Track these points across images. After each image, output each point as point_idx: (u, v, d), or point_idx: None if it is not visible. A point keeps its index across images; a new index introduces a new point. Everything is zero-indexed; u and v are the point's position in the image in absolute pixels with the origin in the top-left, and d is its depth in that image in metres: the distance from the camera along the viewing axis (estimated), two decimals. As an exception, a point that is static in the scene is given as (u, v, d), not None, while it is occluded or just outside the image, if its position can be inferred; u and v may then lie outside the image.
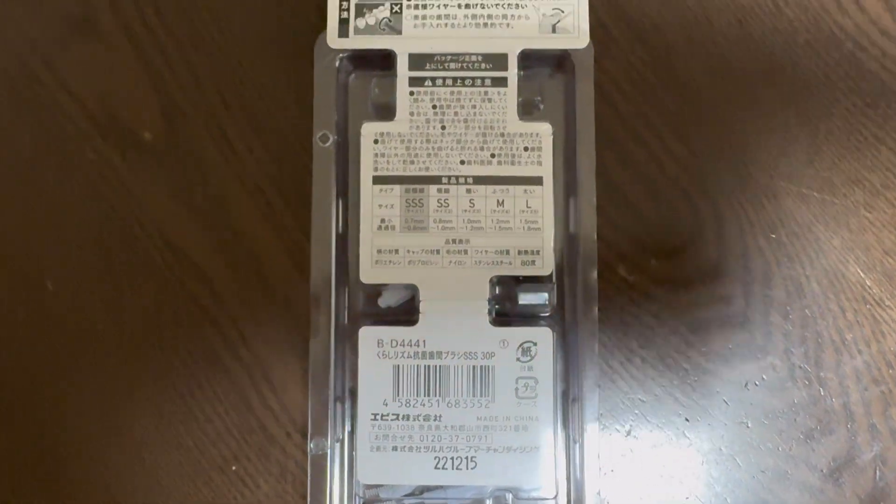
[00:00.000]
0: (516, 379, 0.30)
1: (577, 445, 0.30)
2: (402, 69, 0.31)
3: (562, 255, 0.31)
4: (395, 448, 0.30)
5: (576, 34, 0.31)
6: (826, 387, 0.32)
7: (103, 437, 0.32)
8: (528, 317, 0.31)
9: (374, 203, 0.31)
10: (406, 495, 0.31)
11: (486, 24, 0.31)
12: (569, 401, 0.31)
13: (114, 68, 0.33)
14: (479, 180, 0.31)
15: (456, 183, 0.31)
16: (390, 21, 0.31)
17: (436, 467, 0.30)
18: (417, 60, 0.31)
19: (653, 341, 0.32)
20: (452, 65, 0.31)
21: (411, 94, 0.31)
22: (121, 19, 0.33)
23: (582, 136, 0.31)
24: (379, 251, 0.31)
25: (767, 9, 0.33)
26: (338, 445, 0.30)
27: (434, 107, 0.31)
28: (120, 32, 0.33)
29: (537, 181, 0.31)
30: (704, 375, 0.32)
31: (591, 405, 0.30)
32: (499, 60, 0.31)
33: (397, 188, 0.31)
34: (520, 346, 0.30)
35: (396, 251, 0.31)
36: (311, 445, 0.30)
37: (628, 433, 0.32)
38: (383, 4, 0.31)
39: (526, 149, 0.31)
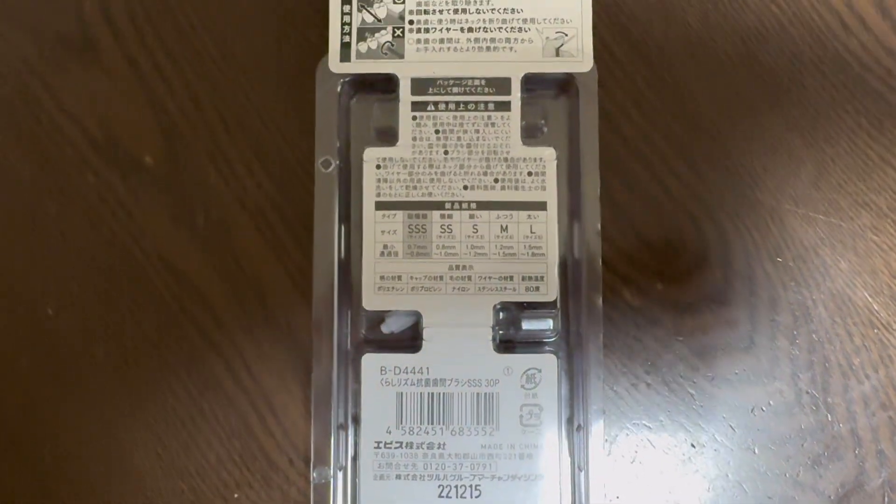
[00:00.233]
0: (520, 406, 0.30)
1: (583, 473, 0.30)
2: (405, 93, 0.31)
3: (566, 281, 0.31)
4: (398, 476, 0.30)
5: (579, 57, 0.31)
6: (833, 412, 0.32)
7: (104, 463, 0.32)
8: (532, 343, 0.31)
9: (377, 229, 0.31)
10: (410, 523, 0.30)
11: (488, 48, 0.31)
12: (574, 428, 0.30)
13: (114, 92, 0.33)
14: (483, 206, 0.31)
15: (459, 209, 0.31)
16: (392, 45, 0.31)
17: (440, 496, 0.30)
18: (420, 85, 0.31)
19: (658, 367, 0.32)
20: (455, 89, 0.31)
21: (414, 118, 0.31)
22: (121, 43, 0.33)
23: (586, 159, 0.31)
24: (382, 277, 0.30)
25: (772, 29, 0.33)
26: (340, 473, 0.30)
27: (437, 131, 0.31)
28: (120, 56, 0.33)
29: (541, 206, 0.30)
30: (710, 401, 0.32)
31: (597, 432, 0.30)
32: (502, 84, 0.31)
33: (400, 214, 0.31)
34: (524, 372, 0.30)
35: (399, 277, 0.30)
36: (314, 474, 0.30)
37: (634, 460, 0.32)
38: (385, 28, 0.31)
39: (530, 173, 0.31)
